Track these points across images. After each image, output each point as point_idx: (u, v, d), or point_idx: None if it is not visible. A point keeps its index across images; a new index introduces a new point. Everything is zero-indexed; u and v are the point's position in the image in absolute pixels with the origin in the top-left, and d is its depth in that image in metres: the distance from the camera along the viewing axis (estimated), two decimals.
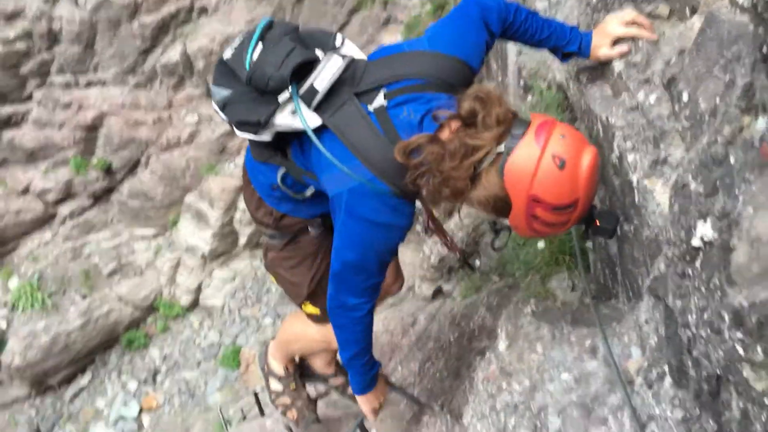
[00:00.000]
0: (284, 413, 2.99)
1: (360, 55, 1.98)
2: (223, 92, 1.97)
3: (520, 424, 1.92)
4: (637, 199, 1.97)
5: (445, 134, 1.74)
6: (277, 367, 2.96)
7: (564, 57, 2.28)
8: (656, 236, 1.83)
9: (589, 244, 2.72)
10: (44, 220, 11.12)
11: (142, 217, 11.43)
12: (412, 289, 4.29)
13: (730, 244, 1.16)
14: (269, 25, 1.95)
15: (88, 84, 10.67)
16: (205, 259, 10.82)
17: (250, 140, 2.10)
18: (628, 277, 2.23)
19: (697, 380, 1.39)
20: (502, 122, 1.67)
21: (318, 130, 1.85)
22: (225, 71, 1.98)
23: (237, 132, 1.99)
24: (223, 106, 1.97)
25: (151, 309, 11.55)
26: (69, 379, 11.17)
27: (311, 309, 2.50)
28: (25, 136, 10.63)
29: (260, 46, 1.89)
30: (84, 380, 11.25)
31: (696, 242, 1.30)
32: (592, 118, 2.40)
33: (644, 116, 2.09)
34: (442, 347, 3.21)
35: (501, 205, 1.70)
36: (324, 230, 2.30)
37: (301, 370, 3.06)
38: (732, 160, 1.21)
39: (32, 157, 10.74)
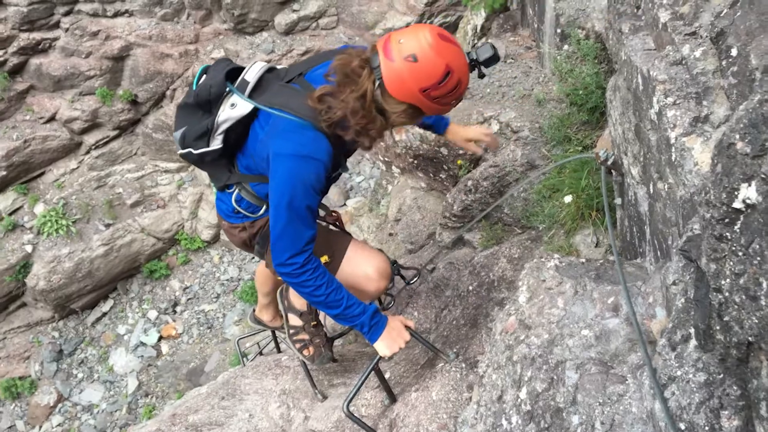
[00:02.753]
0: (301, 350, 3.04)
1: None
2: (178, 133, 2.46)
3: (536, 376, 1.92)
4: (673, 157, 1.91)
5: (343, 92, 2.15)
6: (299, 302, 3.04)
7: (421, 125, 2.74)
8: (692, 196, 1.78)
9: (618, 200, 2.67)
10: (70, 149, 11.23)
11: (166, 151, 11.49)
12: (433, 236, 4.28)
13: None
14: (206, 68, 2.52)
15: (116, 14, 10.58)
16: None
17: (207, 168, 2.57)
18: (657, 236, 2.18)
19: (724, 345, 1.36)
20: (363, 63, 2.13)
21: (252, 116, 2.36)
22: (182, 114, 2.50)
23: (195, 158, 2.44)
24: (182, 142, 2.45)
25: (173, 241, 11.74)
26: (91, 305, 11.50)
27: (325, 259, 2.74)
28: (53, 63, 10.63)
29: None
30: (106, 306, 11.57)
31: (738, 204, 1.25)
32: (632, 71, 2.30)
33: (688, 71, 2.00)
34: (460, 296, 3.21)
35: (412, 112, 2.17)
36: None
37: (255, 321, 3.55)
38: None
39: (59, 85, 10.76)
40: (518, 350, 2.04)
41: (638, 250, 2.49)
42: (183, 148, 2.47)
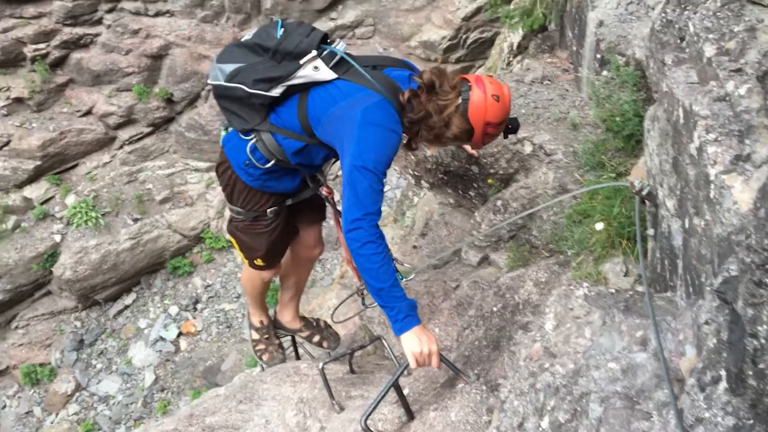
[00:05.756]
0: (260, 357, 3.96)
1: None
2: (232, 66, 2.71)
3: (559, 406, 1.91)
4: (712, 194, 1.88)
5: (422, 97, 2.63)
6: (255, 321, 3.97)
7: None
8: (729, 235, 1.75)
9: (650, 231, 2.64)
10: (104, 143, 11.43)
11: (197, 150, 11.64)
12: (458, 254, 4.27)
13: None
14: (284, 22, 2.81)
15: (157, 13, 10.77)
16: None
17: (235, 114, 2.81)
18: (690, 272, 2.15)
19: (756, 391, 1.34)
20: (455, 86, 2.64)
21: (327, 82, 2.67)
22: (237, 52, 2.77)
23: (242, 94, 2.68)
24: (233, 77, 2.69)
25: (198, 239, 11.86)
26: (114, 297, 11.65)
27: (260, 262, 3.42)
28: (93, 58, 10.85)
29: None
30: (128, 300, 11.71)
31: None
32: (673, 103, 2.28)
33: (731, 108, 1.98)
34: (484, 316, 3.19)
35: (467, 134, 2.68)
36: (276, 218, 3.18)
37: (274, 325, 4.06)
38: None
39: (98, 80, 10.97)
40: (542, 378, 2.02)
41: (669, 283, 2.46)
42: (228, 81, 2.70)
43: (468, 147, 3.41)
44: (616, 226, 2.93)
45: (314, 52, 2.66)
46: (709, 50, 2.14)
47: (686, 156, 2.12)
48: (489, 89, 2.61)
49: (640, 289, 2.60)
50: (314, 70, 2.65)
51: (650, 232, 2.65)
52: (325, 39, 2.77)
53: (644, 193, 2.54)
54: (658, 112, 2.63)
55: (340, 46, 2.75)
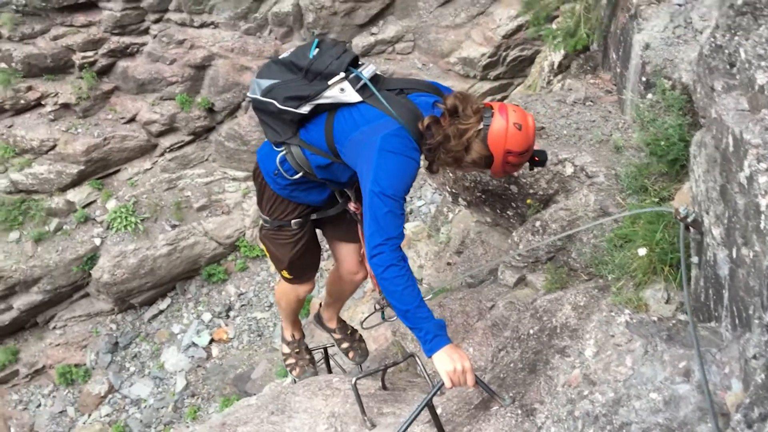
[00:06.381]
0: (290, 371, 4.06)
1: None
2: (268, 82, 2.84)
3: None
4: (762, 225, 1.84)
5: (443, 121, 2.66)
6: (287, 335, 4.07)
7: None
8: None
9: (694, 258, 2.59)
10: (146, 150, 11.68)
11: (236, 159, 11.80)
12: (494, 273, 4.24)
13: None
14: (319, 42, 2.91)
15: (202, 25, 10.99)
16: None
17: (269, 127, 2.93)
18: (736, 303, 2.10)
19: None
20: (477, 111, 2.64)
21: (352, 105, 2.73)
22: (275, 68, 2.90)
23: (274, 110, 2.78)
24: (267, 92, 2.80)
25: (233, 247, 12.00)
26: (150, 302, 11.85)
27: (286, 275, 3.49)
28: (138, 67, 11.12)
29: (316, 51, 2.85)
30: (163, 304, 11.89)
31: None
32: (722, 130, 2.24)
33: None
34: (520, 338, 3.16)
35: (487, 161, 2.68)
36: (300, 230, 3.25)
37: (317, 318, 4.23)
38: None
39: (142, 88, 11.23)
40: (581, 405, 2.00)
41: (713, 313, 2.41)
42: (263, 96, 2.83)
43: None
44: (659, 252, 2.88)
45: (342, 74, 2.74)
46: (762, 78, 2.10)
47: (735, 184, 2.08)
48: (512, 117, 2.61)
49: (682, 317, 2.55)
50: (340, 91, 2.73)
51: (694, 259, 2.60)
52: (355, 61, 2.84)
53: (689, 220, 2.49)
54: (705, 138, 2.58)
55: (368, 70, 2.80)
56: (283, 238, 3.31)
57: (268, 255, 3.52)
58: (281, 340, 4.17)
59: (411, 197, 11.18)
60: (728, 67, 2.56)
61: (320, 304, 4.24)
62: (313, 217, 3.31)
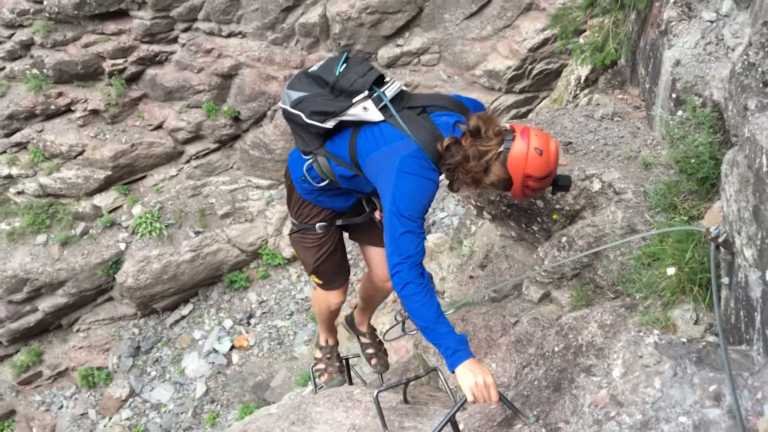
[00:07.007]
0: (319, 376, 4.11)
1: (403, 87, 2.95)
2: (298, 94, 2.89)
3: None
4: None
5: (464, 141, 2.68)
6: (321, 340, 4.14)
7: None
8: None
9: (725, 279, 2.54)
10: (172, 156, 11.82)
11: (260, 168, 11.90)
12: (519, 289, 4.21)
13: None
14: (348, 57, 2.93)
15: (230, 34, 11.12)
16: None
17: (299, 136, 2.99)
18: None
19: None
20: (499, 133, 2.65)
21: (374, 123, 2.78)
22: (305, 80, 2.94)
23: (301, 122, 2.85)
24: (296, 104, 2.86)
25: (255, 255, 12.08)
26: (172, 307, 11.96)
27: (316, 280, 3.58)
28: (167, 75, 11.28)
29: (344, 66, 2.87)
30: (185, 310, 11.99)
31: None
32: (756, 150, 2.21)
33: None
34: (544, 355, 3.13)
35: (505, 183, 2.69)
36: (325, 234, 3.32)
37: (349, 320, 4.28)
38: None
39: (170, 95, 11.38)
40: (607, 427, 1.97)
41: (744, 336, 2.36)
42: (292, 108, 2.89)
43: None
44: (688, 272, 2.83)
45: (366, 93, 2.78)
46: None
47: None
48: (533, 142, 2.61)
49: (711, 339, 2.51)
50: (363, 110, 2.78)
51: (725, 280, 2.56)
52: (381, 79, 2.86)
53: (720, 240, 2.45)
54: (737, 157, 2.55)
55: (393, 88, 2.84)
56: (309, 242, 3.38)
57: (297, 256, 3.61)
58: (315, 345, 4.24)
59: (434, 209, 11.16)
60: (761, 85, 2.53)
61: (355, 306, 4.30)
62: (339, 222, 3.37)
